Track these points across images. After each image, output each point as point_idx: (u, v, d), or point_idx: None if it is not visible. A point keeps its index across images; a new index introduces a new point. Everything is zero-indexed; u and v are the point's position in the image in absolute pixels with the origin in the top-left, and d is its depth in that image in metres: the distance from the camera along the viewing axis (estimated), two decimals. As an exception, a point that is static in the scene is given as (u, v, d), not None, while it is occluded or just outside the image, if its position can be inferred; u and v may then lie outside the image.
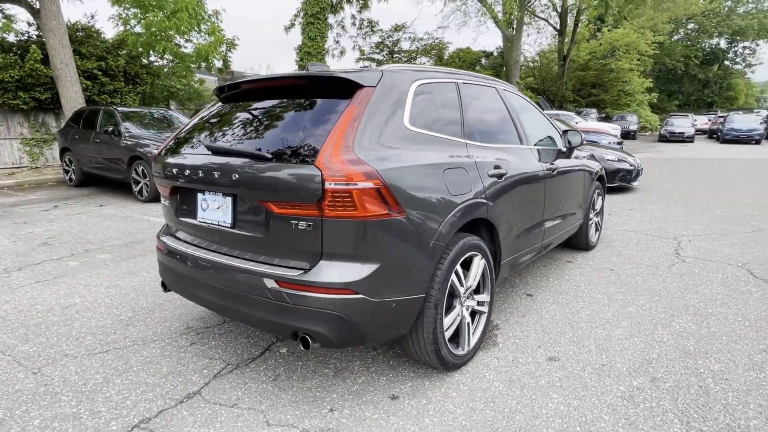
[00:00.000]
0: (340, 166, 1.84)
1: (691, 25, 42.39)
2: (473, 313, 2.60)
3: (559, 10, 25.57)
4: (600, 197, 4.84)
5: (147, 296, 3.50)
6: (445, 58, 28.49)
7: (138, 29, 13.02)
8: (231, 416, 2.08)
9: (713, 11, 39.81)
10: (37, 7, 10.00)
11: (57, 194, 8.32)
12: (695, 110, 41.84)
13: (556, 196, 3.56)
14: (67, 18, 10.98)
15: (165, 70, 14.69)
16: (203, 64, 14.63)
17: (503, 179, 2.72)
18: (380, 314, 2.01)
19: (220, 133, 2.38)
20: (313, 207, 1.87)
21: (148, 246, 4.86)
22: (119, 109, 8.45)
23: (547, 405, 2.15)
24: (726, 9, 41.13)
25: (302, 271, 1.95)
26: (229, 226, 2.18)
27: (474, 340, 2.55)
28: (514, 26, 22.23)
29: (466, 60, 29.10)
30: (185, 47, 14.28)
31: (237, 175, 2.04)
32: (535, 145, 3.40)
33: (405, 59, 26.80)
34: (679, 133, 23.83)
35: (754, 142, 22.50)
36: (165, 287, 2.65)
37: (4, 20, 11.70)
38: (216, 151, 2.20)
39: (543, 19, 27.24)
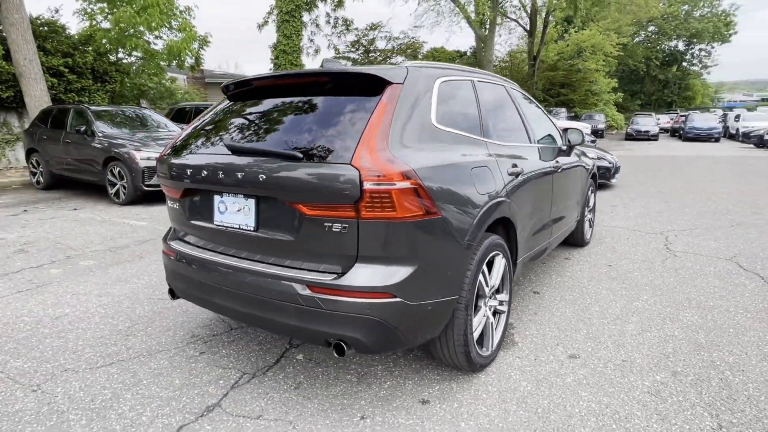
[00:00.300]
0: (378, 166, 1.77)
1: (651, 28, 44.19)
2: (494, 313, 2.58)
3: (529, 11, 26.08)
4: (593, 194, 4.93)
5: (143, 304, 3.32)
6: (420, 57, 28.61)
7: (105, 25, 12.49)
8: (258, 429, 1.98)
9: (672, 14, 41.66)
10: (-3, -1, 9.42)
11: (25, 198, 7.86)
12: (656, 109, 43.65)
13: (561, 193, 3.59)
14: (29, 12, 10.40)
15: (134, 67, 14.14)
16: (174, 62, 14.15)
17: (519, 177, 2.71)
18: (417, 317, 1.95)
19: (238, 133, 2.26)
20: (349, 208, 1.79)
21: (135, 251, 4.63)
22: (91, 107, 8.04)
23: (579, 403, 2.15)
24: (683, 13, 43.14)
25: (335, 275, 1.87)
26: (251, 229, 2.07)
27: (496, 340, 2.53)
28: (487, 26, 22.51)
29: (440, 59, 29.23)
30: (155, 44, 13.80)
31: (264, 176, 1.94)
32: (538, 142, 3.42)
33: (380, 58, 26.72)
34: (644, 131, 24.76)
35: (713, 139, 23.71)
36: (173, 295, 2.51)
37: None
38: (237, 151, 2.08)
39: (514, 20, 27.73)
